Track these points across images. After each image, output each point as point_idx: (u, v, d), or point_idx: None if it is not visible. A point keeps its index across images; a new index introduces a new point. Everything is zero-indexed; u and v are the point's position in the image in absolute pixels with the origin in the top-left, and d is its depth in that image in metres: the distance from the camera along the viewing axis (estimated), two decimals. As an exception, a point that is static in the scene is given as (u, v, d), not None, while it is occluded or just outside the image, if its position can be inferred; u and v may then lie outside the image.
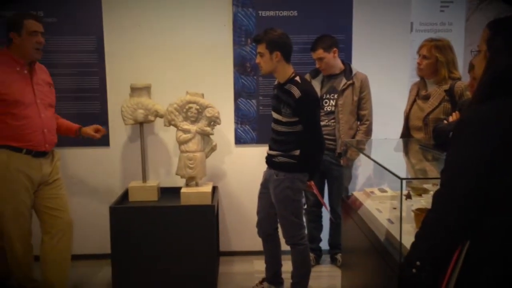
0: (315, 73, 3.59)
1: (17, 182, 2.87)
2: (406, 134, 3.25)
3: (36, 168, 2.94)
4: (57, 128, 3.15)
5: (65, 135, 3.27)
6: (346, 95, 3.52)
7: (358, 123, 3.59)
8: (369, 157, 2.55)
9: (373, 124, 3.59)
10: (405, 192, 2.54)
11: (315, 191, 3.18)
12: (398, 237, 2.09)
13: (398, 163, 2.66)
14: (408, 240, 2.05)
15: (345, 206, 3.03)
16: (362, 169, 3.73)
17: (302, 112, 2.86)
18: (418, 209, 2.30)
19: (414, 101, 3.20)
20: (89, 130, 3.27)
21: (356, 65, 3.67)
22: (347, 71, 3.55)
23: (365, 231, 2.54)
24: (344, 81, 3.53)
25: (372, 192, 2.89)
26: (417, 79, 3.30)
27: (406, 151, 3.10)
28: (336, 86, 3.54)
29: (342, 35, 3.78)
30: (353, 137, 3.56)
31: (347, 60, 3.73)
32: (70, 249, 3.22)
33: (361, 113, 3.56)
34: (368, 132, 3.57)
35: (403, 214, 2.11)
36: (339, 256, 3.74)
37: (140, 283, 3.38)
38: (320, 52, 3.45)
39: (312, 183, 3.11)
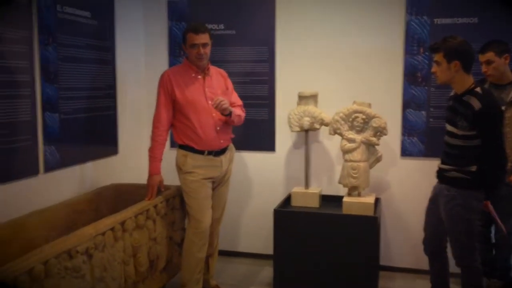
0: (481, 84, 3.32)
1: (201, 182, 3.14)
2: None
3: (217, 166, 3.19)
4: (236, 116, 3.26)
5: (229, 122, 3.25)
6: None
7: None
8: None
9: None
10: None
11: (492, 211, 2.93)
12: None
13: None
14: None
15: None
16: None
17: (481, 125, 2.66)
18: None
19: None
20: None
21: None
22: None
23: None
24: None
25: None
26: None
27: None
28: (504, 98, 3.21)
29: (529, 42, 3.44)
30: None
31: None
32: (216, 245, 3.45)
33: None
34: None
35: None
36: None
37: (299, 285, 3.46)
38: (490, 55, 3.19)
39: (489, 202, 2.87)
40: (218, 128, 3.17)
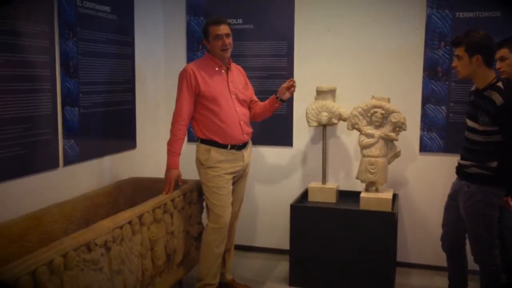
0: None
1: (223, 177, 3.14)
2: None
3: (240, 160, 3.20)
4: (263, 109, 3.30)
5: (273, 110, 3.31)
6: None
7: None
8: None
9: None
10: None
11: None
12: None
13: None
14: None
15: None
16: None
17: (503, 120, 2.62)
18: None
19: None
20: (282, 90, 3.23)
21: None
22: None
23: None
24: None
25: None
26: None
27: None
28: None
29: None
30: None
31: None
32: (233, 240, 3.45)
33: None
34: None
35: None
36: None
37: (315, 281, 3.46)
38: (504, 51, 3.11)
39: (509, 199, 2.83)
40: (241, 122, 3.17)
